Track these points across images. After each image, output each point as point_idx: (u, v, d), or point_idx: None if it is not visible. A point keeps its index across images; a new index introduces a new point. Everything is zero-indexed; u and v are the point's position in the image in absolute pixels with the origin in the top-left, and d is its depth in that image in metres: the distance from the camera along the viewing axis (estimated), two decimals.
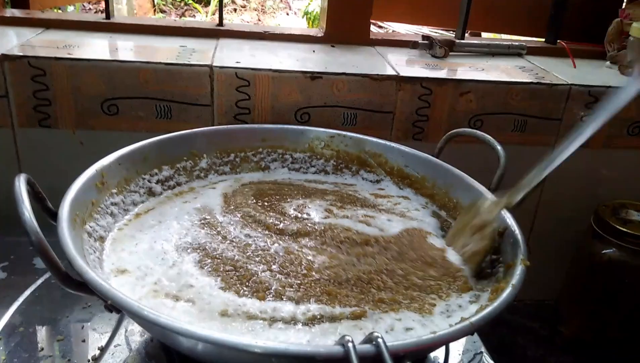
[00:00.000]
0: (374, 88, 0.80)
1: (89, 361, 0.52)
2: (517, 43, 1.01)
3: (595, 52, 1.04)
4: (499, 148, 0.64)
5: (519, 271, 0.47)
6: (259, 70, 0.77)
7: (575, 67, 0.94)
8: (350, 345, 0.35)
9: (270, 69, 0.78)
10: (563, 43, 1.03)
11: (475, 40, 1.02)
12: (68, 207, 0.49)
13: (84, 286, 0.41)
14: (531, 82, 0.84)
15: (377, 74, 0.80)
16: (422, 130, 0.84)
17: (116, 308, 0.42)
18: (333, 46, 0.94)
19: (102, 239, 0.54)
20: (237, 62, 0.78)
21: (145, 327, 0.45)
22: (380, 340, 0.35)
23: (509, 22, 1.15)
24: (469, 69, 0.88)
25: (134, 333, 0.56)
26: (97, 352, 0.53)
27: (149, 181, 0.64)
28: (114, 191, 0.59)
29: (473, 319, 0.40)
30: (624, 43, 0.99)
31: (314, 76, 0.79)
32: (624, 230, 0.81)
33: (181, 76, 0.76)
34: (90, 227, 0.52)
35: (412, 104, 0.82)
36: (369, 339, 0.36)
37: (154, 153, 0.65)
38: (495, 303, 0.42)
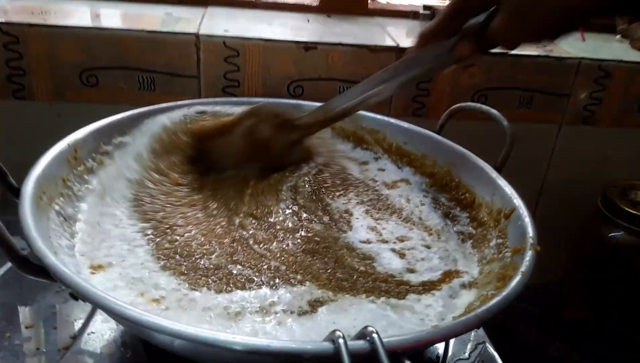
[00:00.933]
0: (372, 60, 0.75)
1: (59, 350, 0.48)
2: None
3: (604, 25, 0.98)
4: (505, 123, 0.59)
5: (528, 256, 0.43)
6: (249, 39, 0.72)
7: (584, 40, 0.89)
8: (341, 341, 0.31)
9: (261, 39, 0.72)
10: None
11: None
12: (33, 183, 0.44)
13: (45, 272, 0.37)
14: (539, 55, 0.79)
15: (375, 45, 0.75)
16: (423, 105, 0.79)
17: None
18: (329, 16, 0.89)
19: (72, 220, 0.49)
20: (226, 30, 0.73)
21: (115, 319, 0.40)
22: (375, 335, 0.31)
23: None
24: None
25: (110, 321, 0.52)
26: (69, 341, 0.49)
27: None
28: (88, 165, 0.54)
29: (479, 311, 0.36)
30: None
31: (307, 47, 0.74)
32: (634, 212, 0.77)
33: (165, 45, 0.71)
34: (58, 206, 0.47)
35: None
36: (363, 334, 0.32)
37: (134, 127, 0.61)
38: (504, 293, 0.38)
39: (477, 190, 0.58)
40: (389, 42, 0.76)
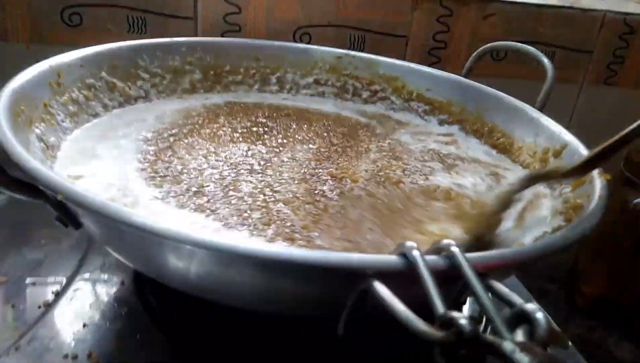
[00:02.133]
0: (387, 5, 0.69)
1: (39, 307, 0.40)
2: None
3: None
4: (544, 59, 0.54)
5: (599, 183, 0.37)
6: None
7: None
8: (415, 253, 0.24)
9: None
10: None
11: None
12: (9, 95, 0.36)
13: (26, 185, 0.29)
14: (563, 6, 0.74)
15: None
16: (439, 59, 0.73)
17: (72, 218, 0.30)
18: None
19: (56, 149, 0.41)
20: None
21: (112, 241, 0.32)
22: (454, 248, 0.25)
23: None
24: None
25: (99, 276, 0.44)
26: (51, 297, 0.41)
27: (119, 93, 0.52)
28: (73, 95, 0.46)
29: (564, 231, 0.29)
30: None
31: None
32: None
33: None
34: (39, 131, 0.40)
35: (429, 27, 0.71)
36: (437, 249, 0.25)
37: (125, 61, 0.53)
38: (586, 215, 0.32)
39: (515, 133, 0.52)
40: None
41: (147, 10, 0.65)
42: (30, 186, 0.30)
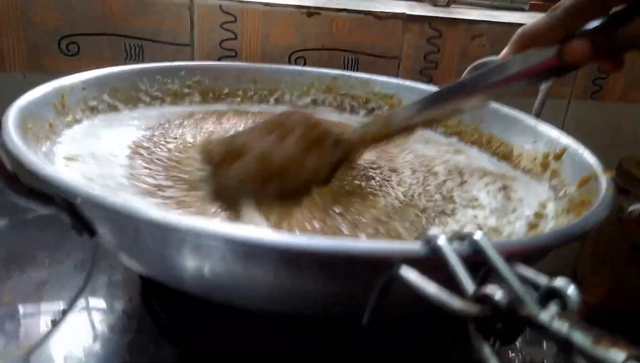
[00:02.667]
0: (378, 28, 0.71)
1: (46, 325, 0.39)
2: None
3: None
4: None
5: (604, 179, 0.38)
6: (247, 2, 0.67)
7: None
8: (441, 240, 0.24)
9: (260, 2, 0.67)
10: None
11: None
12: (17, 111, 0.36)
13: (37, 193, 0.29)
14: None
15: (382, 12, 0.70)
16: (431, 79, 0.75)
17: (87, 226, 0.30)
18: None
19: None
20: None
21: (128, 246, 0.32)
22: (478, 235, 0.25)
23: None
24: (477, 16, 0.80)
25: (106, 293, 0.43)
26: (59, 315, 0.40)
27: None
28: (77, 117, 0.46)
29: (585, 215, 0.30)
30: None
31: (310, 12, 0.69)
32: None
33: (155, 8, 0.64)
34: (46, 149, 0.40)
35: (420, 48, 0.73)
36: (460, 236, 0.26)
37: (126, 84, 0.54)
38: (602, 202, 0.32)
39: (513, 141, 0.53)
40: (396, 9, 0.72)
41: (143, 38, 0.65)
42: (45, 196, 0.29)
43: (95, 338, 0.38)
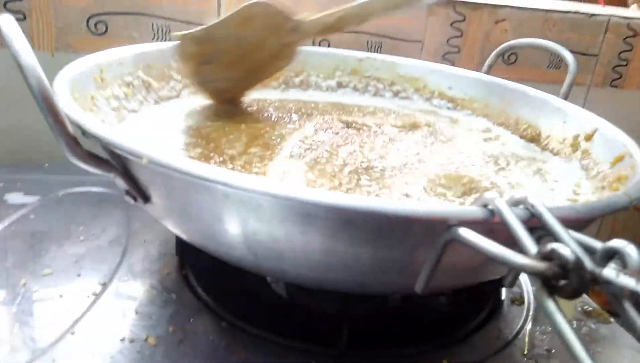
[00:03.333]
0: (403, 12, 0.71)
1: (87, 297, 0.40)
2: None
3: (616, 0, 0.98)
4: (565, 52, 0.56)
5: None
6: None
7: (604, 6, 0.88)
8: (500, 202, 0.25)
9: None
10: None
11: None
12: (66, 81, 0.37)
13: (95, 157, 0.30)
14: (569, 11, 0.76)
15: None
16: (453, 63, 0.75)
17: (141, 192, 0.31)
18: None
19: None
20: None
21: (182, 211, 0.32)
22: (534, 200, 0.25)
23: None
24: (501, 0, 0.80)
25: (143, 267, 0.44)
26: (99, 288, 0.41)
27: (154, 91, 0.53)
28: (115, 91, 0.47)
29: (627, 189, 0.30)
30: None
31: None
32: None
33: None
34: None
35: (444, 32, 0.73)
36: (515, 201, 0.26)
37: (159, 62, 0.54)
38: None
39: (541, 123, 0.53)
40: None
41: (171, 18, 0.66)
42: (103, 160, 0.30)
43: (136, 311, 0.39)
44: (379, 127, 0.50)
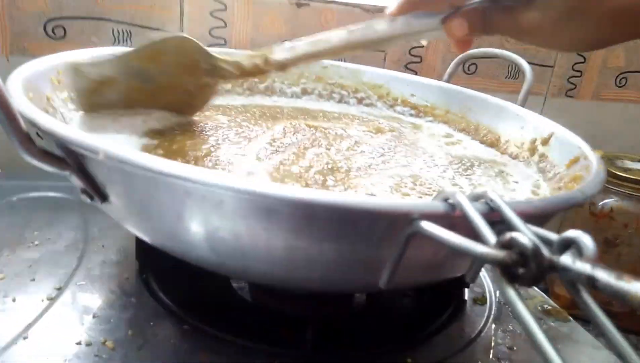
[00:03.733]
0: (366, 20, 0.72)
1: (42, 301, 0.38)
2: None
3: None
4: (521, 61, 0.58)
5: (594, 157, 0.39)
6: None
7: None
8: (461, 196, 0.25)
9: None
10: None
11: None
12: (21, 79, 0.36)
13: (50, 155, 0.29)
14: None
15: (370, 5, 0.72)
16: (416, 73, 0.77)
17: (98, 190, 0.30)
18: None
19: None
20: None
21: (141, 209, 0.31)
22: (492, 194, 0.26)
23: None
24: None
25: (102, 271, 0.43)
26: (54, 292, 0.40)
27: None
28: (73, 95, 0.46)
29: (582, 186, 0.31)
30: None
31: (300, 3, 0.69)
32: (625, 176, 0.77)
33: None
34: None
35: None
36: (475, 196, 0.27)
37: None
38: (594, 170, 0.34)
39: (500, 129, 0.55)
40: (384, 2, 0.74)
41: (132, 24, 0.65)
42: (57, 158, 0.29)
43: (94, 315, 0.38)
44: (345, 131, 0.51)
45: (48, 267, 0.42)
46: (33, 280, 0.41)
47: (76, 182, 0.30)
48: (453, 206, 0.25)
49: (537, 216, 0.28)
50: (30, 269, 0.42)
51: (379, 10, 0.72)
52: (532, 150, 0.50)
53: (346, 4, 0.71)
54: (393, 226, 0.26)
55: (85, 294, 0.40)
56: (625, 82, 0.87)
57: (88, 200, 0.31)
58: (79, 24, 0.64)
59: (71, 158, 0.29)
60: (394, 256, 0.26)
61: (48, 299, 0.38)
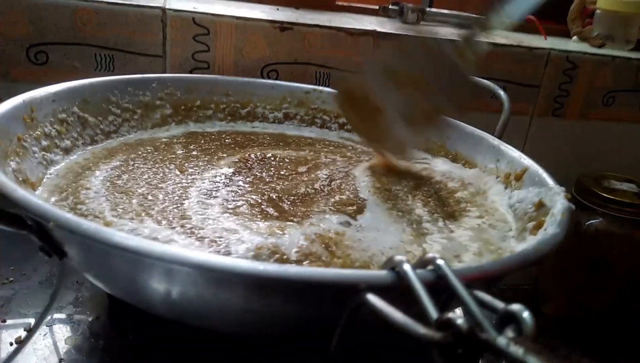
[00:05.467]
0: (350, 45, 0.72)
1: (11, 344, 0.39)
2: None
3: (558, 30, 1.02)
4: (500, 92, 0.58)
5: (560, 201, 0.39)
6: (221, 16, 0.67)
7: (546, 39, 0.91)
8: (406, 266, 0.25)
9: (233, 16, 0.67)
10: (532, 17, 1.00)
11: (445, 11, 0.97)
12: None
13: (10, 216, 0.29)
14: (511, 45, 0.79)
15: (353, 28, 0.72)
16: None
17: (56, 248, 0.30)
18: (297, 8, 0.85)
19: (32, 185, 0.41)
20: (195, 7, 0.68)
21: (98, 268, 0.32)
22: (440, 261, 0.26)
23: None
24: (445, 33, 0.83)
25: (73, 311, 0.43)
26: (23, 333, 0.40)
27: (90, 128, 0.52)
28: (46, 130, 0.46)
29: (537, 244, 0.32)
30: (587, 20, 0.98)
31: (283, 27, 0.69)
32: (611, 197, 0.76)
33: (127, 18, 0.64)
34: (16, 164, 0.39)
35: None
36: (423, 262, 0.27)
37: (99, 96, 0.53)
38: (556, 227, 0.34)
39: (477, 160, 0.55)
40: (367, 26, 0.74)
41: (115, 48, 0.65)
42: (14, 217, 0.29)
43: (60, 359, 0.38)
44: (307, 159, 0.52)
45: (19, 307, 0.43)
46: (4, 321, 0.41)
47: (34, 240, 0.30)
48: (399, 276, 0.25)
49: (487, 280, 0.28)
50: (1, 310, 0.42)
51: (362, 34, 0.72)
52: (507, 184, 0.50)
53: (330, 28, 0.71)
54: (341, 295, 0.26)
55: (55, 336, 0.40)
56: (613, 101, 0.86)
57: (46, 257, 0.31)
58: (61, 49, 0.64)
59: (28, 218, 0.29)
60: (340, 323, 0.26)
61: (16, 342, 0.39)
